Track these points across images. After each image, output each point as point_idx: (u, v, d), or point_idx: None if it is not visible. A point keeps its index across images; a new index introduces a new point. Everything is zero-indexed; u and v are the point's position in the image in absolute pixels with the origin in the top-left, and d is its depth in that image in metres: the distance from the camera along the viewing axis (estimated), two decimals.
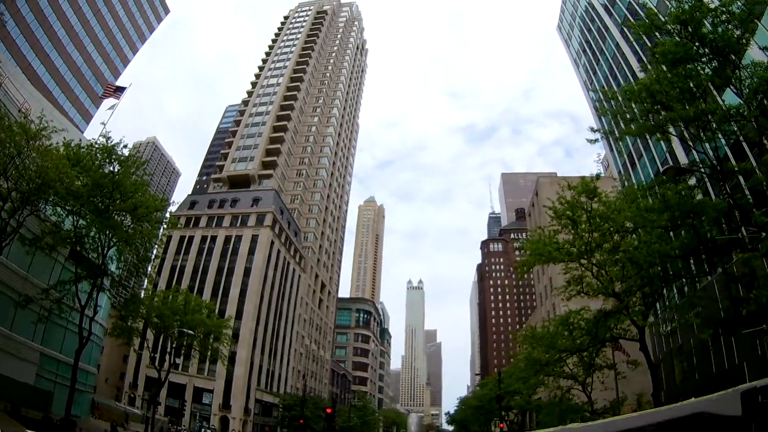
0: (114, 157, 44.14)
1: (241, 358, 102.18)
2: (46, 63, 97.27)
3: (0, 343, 43.63)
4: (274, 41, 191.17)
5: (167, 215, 55.19)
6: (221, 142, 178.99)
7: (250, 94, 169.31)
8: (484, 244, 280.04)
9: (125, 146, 46.21)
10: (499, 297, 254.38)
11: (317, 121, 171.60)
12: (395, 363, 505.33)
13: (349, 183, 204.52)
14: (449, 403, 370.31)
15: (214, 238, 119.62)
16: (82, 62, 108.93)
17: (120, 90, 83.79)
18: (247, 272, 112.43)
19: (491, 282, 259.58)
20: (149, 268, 59.49)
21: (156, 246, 57.03)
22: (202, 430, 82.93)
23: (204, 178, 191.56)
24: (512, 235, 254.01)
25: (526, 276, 68.31)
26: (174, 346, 64.24)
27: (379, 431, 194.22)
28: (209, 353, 69.85)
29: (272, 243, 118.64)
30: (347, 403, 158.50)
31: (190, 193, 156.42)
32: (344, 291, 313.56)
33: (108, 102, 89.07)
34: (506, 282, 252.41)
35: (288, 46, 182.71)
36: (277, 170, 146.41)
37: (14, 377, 44.40)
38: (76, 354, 44.02)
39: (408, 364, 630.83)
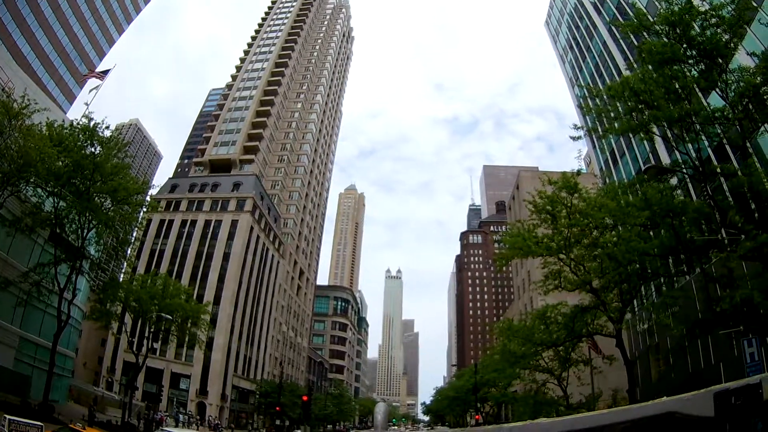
0: (96, 138, 43.73)
1: (218, 344, 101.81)
2: (31, 42, 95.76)
3: None
4: (260, 25, 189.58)
5: (148, 198, 55.29)
6: (204, 126, 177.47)
7: (234, 78, 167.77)
8: (464, 236, 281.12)
9: (107, 127, 45.55)
10: (477, 289, 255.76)
11: (300, 108, 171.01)
12: (372, 352, 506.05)
13: (330, 170, 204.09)
14: (426, 393, 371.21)
15: (194, 223, 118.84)
16: (68, 42, 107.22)
17: (104, 72, 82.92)
18: (226, 257, 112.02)
19: (469, 274, 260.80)
20: (128, 252, 59.61)
21: (136, 229, 56.71)
22: (179, 415, 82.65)
23: (185, 161, 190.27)
24: (492, 228, 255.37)
25: (504, 269, 68.79)
26: (152, 330, 63.58)
27: (355, 419, 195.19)
28: (187, 338, 70.31)
29: (252, 228, 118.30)
30: (324, 390, 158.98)
31: (171, 176, 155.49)
32: (323, 278, 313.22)
33: (92, 83, 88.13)
34: (484, 274, 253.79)
35: (274, 31, 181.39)
36: (259, 155, 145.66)
37: None
38: (54, 338, 43.98)
39: (385, 354, 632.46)
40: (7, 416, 21.66)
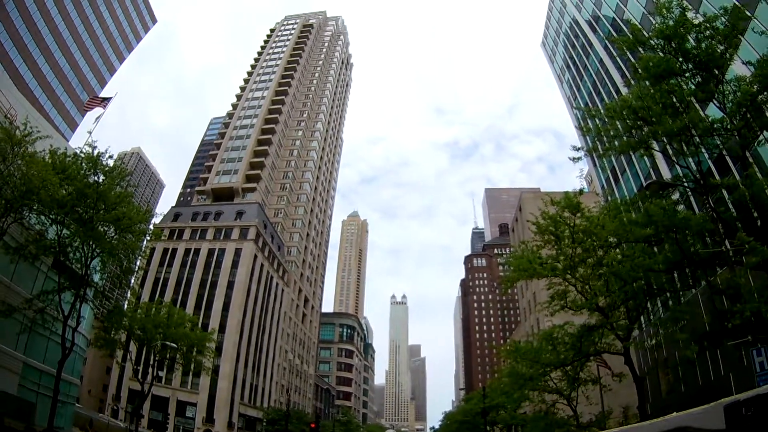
0: (99, 167, 43.77)
1: (224, 372, 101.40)
2: (33, 69, 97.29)
3: None
4: (260, 53, 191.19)
5: (151, 227, 54.97)
6: (205, 155, 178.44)
7: (234, 106, 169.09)
8: (468, 260, 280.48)
9: (110, 156, 45.56)
10: (483, 312, 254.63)
11: (301, 135, 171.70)
12: (379, 378, 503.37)
13: (332, 197, 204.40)
14: (434, 418, 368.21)
15: (197, 251, 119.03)
16: (69, 70, 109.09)
17: (106, 100, 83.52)
18: (230, 285, 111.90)
19: (475, 297, 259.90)
20: (132, 280, 59.10)
21: (139, 258, 56.04)
22: None
23: (188, 190, 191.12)
24: (496, 250, 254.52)
25: (510, 291, 68.49)
26: (157, 358, 63.68)
27: None
28: (192, 366, 70.02)
29: (255, 256, 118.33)
30: (331, 417, 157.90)
31: (174, 205, 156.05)
32: (328, 306, 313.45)
33: (95, 111, 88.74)
34: (490, 297, 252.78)
35: (273, 59, 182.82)
36: (261, 183, 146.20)
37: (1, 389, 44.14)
38: (59, 365, 43.53)
39: (392, 379, 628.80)
40: None
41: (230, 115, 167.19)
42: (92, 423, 65.34)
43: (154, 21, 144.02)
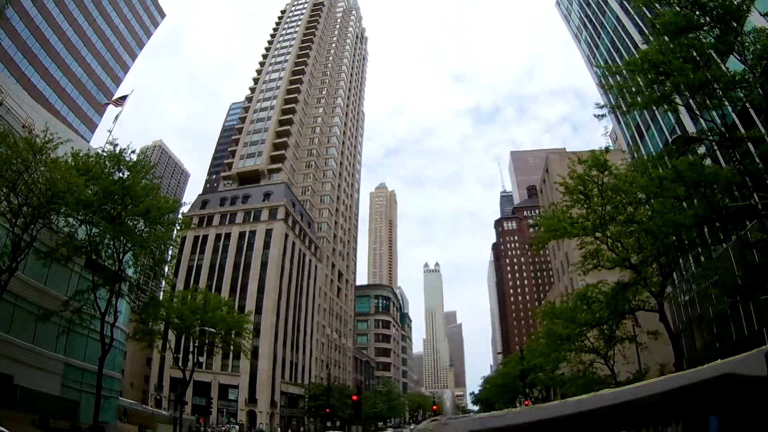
0: (122, 163, 44.22)
1: (263, 352, 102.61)
2: (45, 77, 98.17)
3: (23, 357, 44.13)
4: (272, 36, 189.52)
5: (180, 216, 55.32)
6: (228, 140, 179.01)
7: (252, 90, 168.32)
8: (498, 224, 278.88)
9: (133, 151, 46.07)
10: (516, 275, 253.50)
11: (322, 112, 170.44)
12: (417, 347, 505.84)
13: (358, 171, 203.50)
14: (473, 383, 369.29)
15: (228, 235, 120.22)
16: (82, 73, 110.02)
17: (122, 98, 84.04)
18: (263, 266, 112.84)
19: (507, 260, 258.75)
20: (166, 270, 59.81)
21: (171, 247, 56.53)
22: (229, 426, 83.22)
23: (213, 177, 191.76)
24: (525, 213, 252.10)
25: (541, 252, 67.90)
26: (196, 345, 64.27)
27: (405, 415, 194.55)
28: (232, 349, 70.74)
29: (286, 236, 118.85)
30: (372, 389, 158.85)
31: (200, 192, 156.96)
32: (361, 278, 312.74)
33: (113, 110, 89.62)
34: (522, 260, 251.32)
35: (287, 40, 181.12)
36: (286, 163, 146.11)
37: (40, 389, 45.02)
38: (99, 361, 44.13)
39: (430, 347, 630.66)
40: None
41: (249, 99, 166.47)
42: (126, 412, 66.69)
43: (162, 15, 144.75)
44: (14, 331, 43.93)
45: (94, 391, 44.41)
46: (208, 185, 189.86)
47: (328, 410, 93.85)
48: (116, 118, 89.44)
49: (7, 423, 28.78)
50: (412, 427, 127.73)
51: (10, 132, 36.88)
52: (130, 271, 50.21)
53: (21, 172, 34.73)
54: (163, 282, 67.80)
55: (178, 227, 55.18)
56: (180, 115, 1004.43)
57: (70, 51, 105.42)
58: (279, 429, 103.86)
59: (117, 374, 59.44)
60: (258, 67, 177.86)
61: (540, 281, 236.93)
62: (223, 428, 78.84)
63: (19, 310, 44.15)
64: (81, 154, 43.28)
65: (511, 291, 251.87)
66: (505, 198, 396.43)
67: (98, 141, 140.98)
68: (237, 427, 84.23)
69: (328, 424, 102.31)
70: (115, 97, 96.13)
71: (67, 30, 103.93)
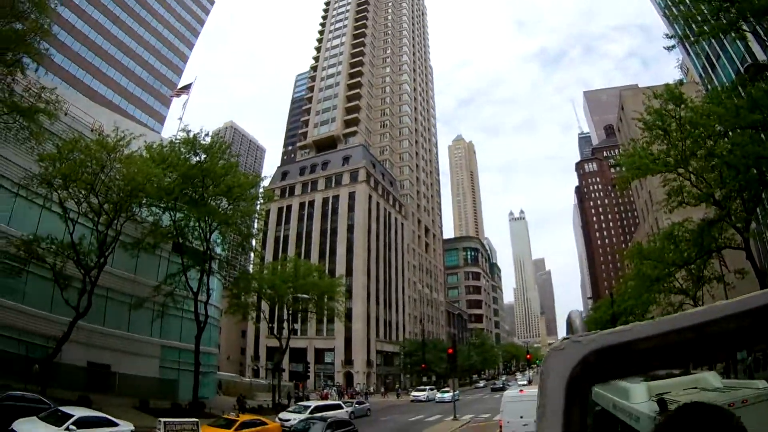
0: (198, 147, 45.14)
1: (357, 313, 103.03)
2: (105, 81, 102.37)
3: (120, 345, 46.93)
4: (327, 3, 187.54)
5: (261, 190, 55.94)
6: (299, 111, 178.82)
7: (316, 59, 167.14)
8: (579, 166, 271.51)
9: (207, 134, 47.28)
10: (601, 217, 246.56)
11: (389, 72, 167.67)
12: (508, 297, 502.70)
13: (434, 126, 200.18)
14: (564, 331, 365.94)
15: (312, 203, 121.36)
16: (142, 71, 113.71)
17: (186, 87, 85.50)
18: (350, 229, 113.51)
19: (591, 203, 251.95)
20: (254, 243, 60.74)
21: (256, 221, 57.80)
22: (329, 388, 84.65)
23: (290, 148, 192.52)
24: (605, 153, 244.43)
25: (625, 193, 65.57)
26: (290, 312, 65.36)
27: (499, 366, 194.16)
28: (326, 313, 72.23)
29: (370, 197, 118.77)
30: (465, 342, 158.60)
31: (279, 165, 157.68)
32: (448, 232, 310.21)
33: (178, 100, 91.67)
34: (606, 201, 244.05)
35: (343, 5, 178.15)
36: (361, 126, 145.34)
37: (139, 374, 47.61)
38: (196, 339, 45.81)
39: (520, 296, 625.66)
40: (162, 419, 22.40)
41: (314, 69, 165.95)
42: (221, 384, 68.34)
43: (212, 2, 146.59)
44: (109, 323, 46.31)
45: (192, 369, 46.54)
46: (285, 157, 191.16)
47: (423, 365, 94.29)
48: (184, 106, 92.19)
49: (108, 409, 30.88)
50: (504, 378, 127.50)
51: (81, 137, 37.49)
52: (218, 249, 51.65)
53: (97, 173, 35.57)
54: (252, 255, 68.87)
55: (261, 201, 55.85)
56: (245, 94, 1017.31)
57: (127, 54, 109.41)
58: (375, 388, 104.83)
59: (213, 349, 61.19)
60: (318, 36, 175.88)
61: (625, 222, 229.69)
62: (324, 391, 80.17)
63: (111, 302, 46.32)
64: (154, 146, 44.20)
65: (597, 234, 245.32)
66: (583, 139, 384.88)
67: (169, 131, 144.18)
68: (336, 388, 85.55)
69: (424, 379, 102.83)
70: (179, 87, 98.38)
71: (118, 35, 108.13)
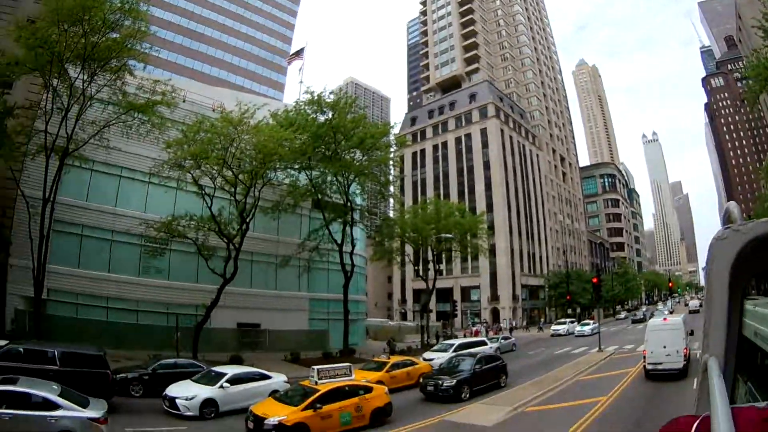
0: (324, 105, 45.98)
1: (500, 249, 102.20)
2: (220, 65, 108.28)
3: (269, 303, 49.64)
4: None
5: (392, 138, 55.67)
6: (417, 56, 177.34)
7: (423, 3, 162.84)
8: (705, 82, 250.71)
9: (332, 92, 47.80)
10: (734, 135, 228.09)
11: (500, 4, 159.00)
12: (647, 223, 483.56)
13: (554, 53, 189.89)
14: (705, 257, 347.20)
15: (444, 144, 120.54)
16: (251, 47, 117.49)
17: (299, 52, 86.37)
18: (486, 166, 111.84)
19: (722, 120, 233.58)
20: (392, 190, 60.83)
21: (393, 168, 58.08)
22: (478, 326, 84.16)
23: (414, 94, 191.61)
24: (729, 66, 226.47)
25: (757, 106, 60.34)
26: (435, 253, 65.18)
27: (641, 296, 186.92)
28: (470, 251, 72.18)
29: (501, 131, 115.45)
30: (608, 271, 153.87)
31: (406, 112, 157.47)
32: (583, 160, 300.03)
33: (295, 65, 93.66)
34: (737, 118, 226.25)
35: None
36: (481, 62, 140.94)
37: (290, 328, 50.08)
38: (343, 289, 47.07)
39: (659, 222, 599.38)
40: (315, 366, 22.76)
41: (423, 13, 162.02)
42: (368, 331, 69.14)
43: None
44: (256, 284, 49.10)
45: (341, 318, 47.86)
46: (411, 103, 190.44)
47: (568, 297, 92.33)
48: (300, 70, 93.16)
49: (260, 364, 32.28)
50: (644, 308, 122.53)
51: (204, 118, 38.87)
52: (358, 200, 52.50)
53: (227, 147, 36.82)
54: (392, 201, 69.25)
55: (394, 148, 55.84)
56: (358, 48, 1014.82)
57: (236, 37, 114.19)
58: (521, 322, 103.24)
59: (361, 297, 62.46)
60: None
61: (758, 140, 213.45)
62: (474, 328, 79.79)
63: (257, 264, 48.97)
64: (280, 112, 45.54)
65: (731, 153, 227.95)
66: (706, 53, 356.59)
67: (290, 98, 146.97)
68: (484, 325, 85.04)
69: (569, 311, 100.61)
70: (291, 54, 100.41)
71: (225, 22, 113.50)
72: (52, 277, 37.72)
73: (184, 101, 42.36)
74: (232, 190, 39.14)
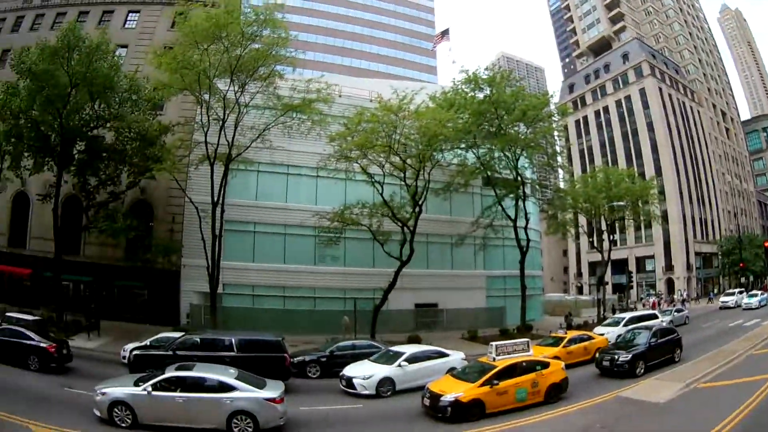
0: (480, 82, 45.61)
1: (672, 215, 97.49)
2: (371, 59, 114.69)
3: (446, 283, 50.06)
4: None
5: (553, 107, 54.44)
6: (561, 22, 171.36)
7: None
8: None
9: (486, 68, 48.68)
10: None
11: None
12: None
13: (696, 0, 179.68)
14: None
15: (605, 109, 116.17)
16: (395, 36, 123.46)
17: (444, 33, 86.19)
18: (649, 127, 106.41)
19: None
20: (560, 161, 59.00)
21: (558, 138, 56.24)
22: (651, 297, 79.52)
23: (567, 61, 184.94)
24: None
25: None
26: (608, 223, 63.33)
27: None
28: (642, 219, 70.10)
29: (660, 89, 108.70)
30: None
31: (562, 80, 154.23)
32: (743, 113, 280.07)
33: (443, 47, 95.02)
34: None
35: None
36: (626, 19, 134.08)
37: (467, 306, 49.66)
38: (520, 265, 46.06)
39: None
40: (493, 343, 22.97)
41: None
42: (544, 307, 67.58)
43: None
44: (432, 265, 49.81)
45: (517, 294, 47.13)
46: (565, 70, 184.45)
47: (741, 264, 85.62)
48: (450, 51, 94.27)
49: (438, 342, 32.53)
50: None
51: (364, 109, 39.06)
52: (528, 174, 51.32)
53: (391, 134, 37.57)
54: (561, 172, 67.22)
55: (557, 117, 54.43)
56: (502, 22, 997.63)
57: (375, 27, 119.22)
58: (696, 293, 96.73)
59: (537, 272, 62.21)
60: None
61: None
62: (652, 299, 75.33)
63: (432, 245, 49.63)
64: (437, 94, 45.12)
65: None
66: None
67: (444, 79, 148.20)
68: (658, 297, 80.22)
69: (742, 280, 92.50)
70: (436, 36, 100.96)
71: (357, 14, 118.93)
72: (227, 272, 41.15)
73: (340, 96, 43.87)
74: (402, 175, 39.73)
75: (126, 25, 53.01)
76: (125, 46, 50.05)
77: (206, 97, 36.56)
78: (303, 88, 37.24)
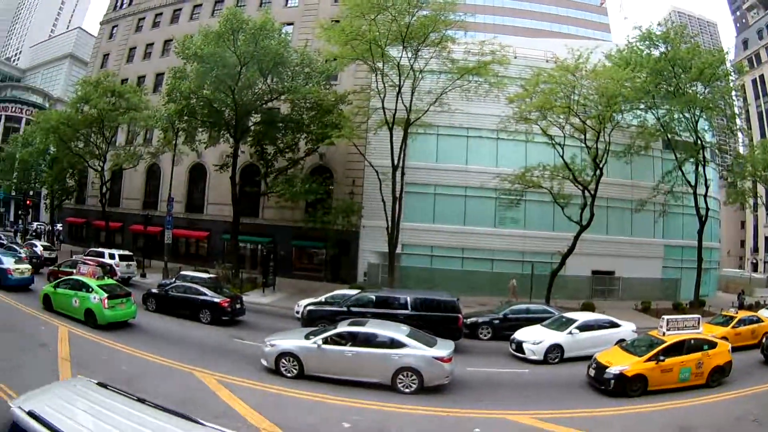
0: (655, 38, 43.46)
1: None
2: (540, 17, 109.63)
3: (623, 250, 47.98)
4: None
5: (730, 66, 50.47)
6: None
7: None
8: None
9: (658, 24, 46.51)
10: None
11: None
12: None
13: None
14: None
15: None
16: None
17: None
18: None
19: None
20: (739, 123, 55.84)
21: (737, 98, 54.03)
22: None
23: (737, 14, 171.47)
24: None
25: None
26: None
27: None
28: None
29: None
30: None
31: (735, 35, 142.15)
32: None
33: (614, 3, 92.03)
34: None
35: None
36: None
37: (642, 276, 47.68)
38: (698, 236, 43.64)
39: None
40: (665, 316, 21.90)
41: None
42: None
43: None
44: (611, 230, 47.74)
45: (694, 267, 44.72)
46: (737, 24, 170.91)
47: None
48: (620, 7, 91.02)
49: (611, 312, 31.78)
50: None
51: (541, 70, 38.90)
52: (707, 137, 47.19)
53: (569, 95, 36.91)
54: (741, 136, 62.23)
55: (735, 76, 51.53)
56: None
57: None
58: None
59: (715, 244, 57.30)
60: None
61: None
62: None
63: (612, 210, 47.60)
64: (613, 52, 43.83)
65: None
66: None
67: (618, 37, 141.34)
68: None
69: None
70: None
71: None
72: (406, 233, 42.65)
73: (515, 57, 42.78)
74: (582, 137, 38.97)
75: (288, 4, 55.13)
76: (291, 24, 52.29)
77: (380, 65, 37.04)
78: (477, 50, 36.73)
